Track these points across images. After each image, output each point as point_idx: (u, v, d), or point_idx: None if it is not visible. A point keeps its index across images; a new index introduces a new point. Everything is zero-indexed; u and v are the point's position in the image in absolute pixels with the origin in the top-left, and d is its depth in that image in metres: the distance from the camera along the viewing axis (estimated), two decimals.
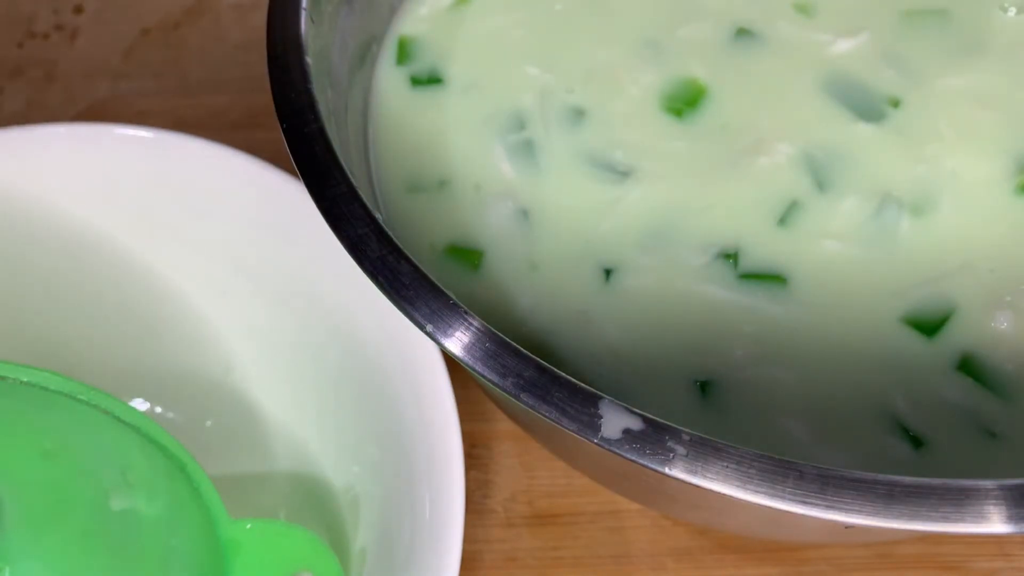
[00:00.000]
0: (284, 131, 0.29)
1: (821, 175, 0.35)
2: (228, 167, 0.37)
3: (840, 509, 0.22)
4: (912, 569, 0.38)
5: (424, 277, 0.26)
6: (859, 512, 0.22)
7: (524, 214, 0.35)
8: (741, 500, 0.23)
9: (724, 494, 0.23)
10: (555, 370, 0.24)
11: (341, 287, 0.36)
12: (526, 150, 0.36)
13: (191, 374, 0.41)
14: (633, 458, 0.23)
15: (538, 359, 0.25)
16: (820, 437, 0.30)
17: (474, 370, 0.25)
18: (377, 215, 0.28)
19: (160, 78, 0.54)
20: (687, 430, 0.23)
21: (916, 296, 0.32)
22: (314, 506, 0.38)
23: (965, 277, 0.32)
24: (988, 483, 0.22)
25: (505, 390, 0.24)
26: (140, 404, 0.41)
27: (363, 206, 0.27)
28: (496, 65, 0.38)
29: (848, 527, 0.22)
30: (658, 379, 0.31)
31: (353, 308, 0.36)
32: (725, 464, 0.23)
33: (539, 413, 0.24)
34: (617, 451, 0.23)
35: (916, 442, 0.30)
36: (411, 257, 0.27)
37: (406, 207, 0.35)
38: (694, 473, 0.23)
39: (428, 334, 0.26)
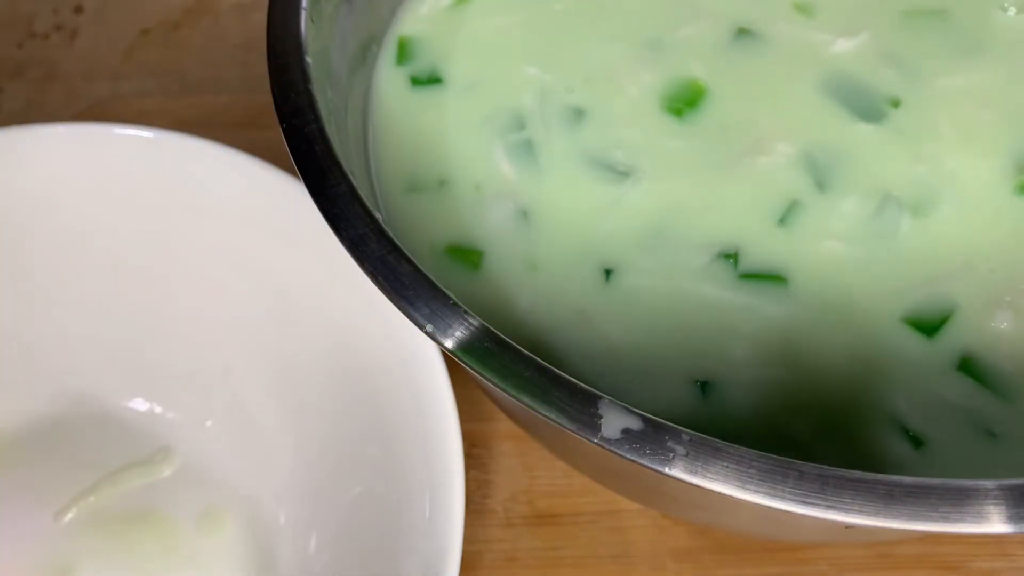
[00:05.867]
0: (284, 131, 0.29)
1: (821, 175, 0.34)
2: (228, 167, 0.37)
3: (840, 509, 0.22)
4: (912, 569, 0.38)
5: (424, 277, 0.26)
6: (859, 512, 0.22)
7: (524, 214, 0.35)
8: (741, 500, 0.22)
9: (724, 494, 0.23)
10: (555, 370, 0.24)
11: (341, 287, 0.36)
12: (526, 150, 0.36)
13: (191, 374, 0.41)
14: (633, 458, 0.23)
15: (538, 359, 0.25)
16: (820, 437, 0.30)
17: (474, 370, 0.25)
18: (377, 215, 0.28)
19: (160, 78, 0.54)
20: (687, 430, 0.23)
21: (916, 296, 0.32)
22: (314, 505, 0.38)
23: (965, 277, 0.32)
24: (988, 483, 0.22)
25: (505, 390, 0.24)
26: (140, 404, 0.41)
27: (363, 206, 0.27)
28: (496, 65, 0.38)
29: (848, 527, 0.22)
30: (658, 379, 0.31)
31: (353, 308, 0.36)
32: (725, 464, 0.23)
33: (539, 413, 0.24)
34: (617, 451, 0.23)
35: (916, 442, 0.30)
36: (411, 257, 0.27)
37: (406, 207, 0.35)
38: (694, 473, 0.23)
39: (428, 334, 0.26)
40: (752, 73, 0.37)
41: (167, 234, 0.39)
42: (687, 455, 0.23)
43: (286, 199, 0.36)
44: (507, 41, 0.39)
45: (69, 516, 0.39)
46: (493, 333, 0.25)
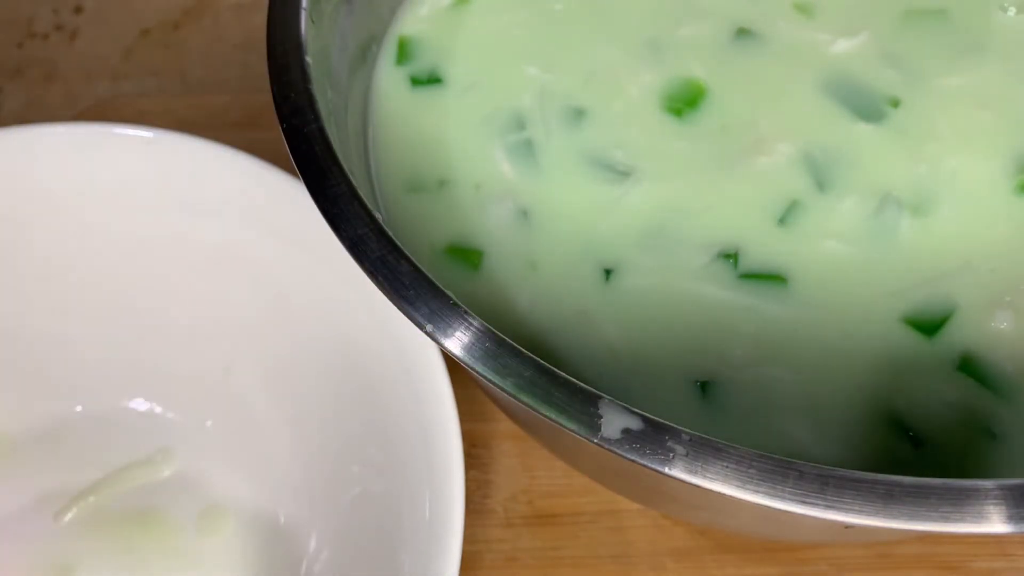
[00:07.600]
0: (284, 131, 0.29)
1: (821, 175, 0.35)
2: (228, 167, 0.37)
3: (840, 509, 0.22)
4: (912, 569, 0.38)
5: (424, 277, 0.26)
6: (859, 512, 0.22)
7: (524, 214, 0.35)
8: (741, 500, 0.22)
9: (724, 494, 0.23)
10: (555, 370, 0.24)
11: (341, 287, 0.36)
12: (526, 150, 0.36)
13: (191, 374, 0.41)
14: (633, 458, 0.23)
15: (538, 359, 0.25)
16: (820, 437, 0.30)
17: (474, 370, 0.25)
18: (377, 215, 0.28)
19: (160, 78, 0.54)
20: (687, 430, 0.23)
21: (916, 296, 0.32)
22: (314, 505, 0.38)
23: (965, 277, 0.32)
24: (988, 483, 0.22)
25: (505, 390, 0.24)
26: (140, 404, 0.41)
27: (363, 206, 0.27)
28: (496, 65, 0.38)
29: (848, 527, 0.22)
30: (658, 379, 0.31)
31: (353, 308, 0.36)
32: (725, 464, 0.23)
33: (539, 413, 0.24)
34: (617, 451, 0.23)
35: (916, 442, 0.30)
36: (411, 257, 0.27)
37: (406, 207, 0.35)
38: (694, 473, 0.23)
39: (428, 334, 0.26)
40: (752, 73, 0.37)
41: (167, 234, 0.39)
42: (687, 455, 0.23)
43: (286, 199, 0.36)
44: (507, 41, 0.39)
45: (69, 516, 0.39)
46: (493, 333, 0.25)
